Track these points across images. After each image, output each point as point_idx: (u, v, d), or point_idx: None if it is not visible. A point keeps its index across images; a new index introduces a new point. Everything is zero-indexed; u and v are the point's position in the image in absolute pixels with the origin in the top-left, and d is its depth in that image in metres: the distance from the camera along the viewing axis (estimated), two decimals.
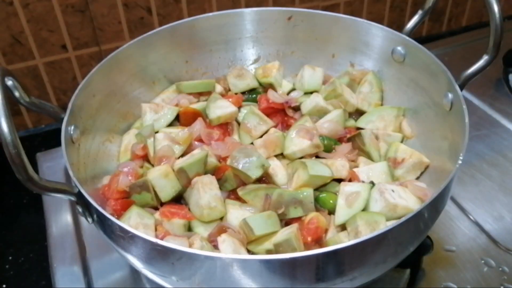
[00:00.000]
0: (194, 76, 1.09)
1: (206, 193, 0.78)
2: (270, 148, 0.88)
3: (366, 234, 0.71)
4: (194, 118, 0.93)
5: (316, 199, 0.80)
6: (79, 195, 0.68)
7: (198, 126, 0.91)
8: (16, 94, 0.68)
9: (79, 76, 1.25)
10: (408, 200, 0.77)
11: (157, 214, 0.79)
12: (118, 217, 0.77)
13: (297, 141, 0.87)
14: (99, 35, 1.21)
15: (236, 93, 1.04)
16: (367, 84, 1.01)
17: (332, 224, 0.78)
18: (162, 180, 0.80)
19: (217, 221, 0.79)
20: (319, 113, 0.96)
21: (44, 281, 0.92)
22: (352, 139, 0.91)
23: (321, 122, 0.94)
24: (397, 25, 1.59)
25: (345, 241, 0.72)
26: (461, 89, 0.80)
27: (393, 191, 0.77)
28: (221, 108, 0.94)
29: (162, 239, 0.74)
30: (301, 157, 0.87)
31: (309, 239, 0.73)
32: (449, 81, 0.82)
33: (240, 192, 0.81)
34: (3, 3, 1.08)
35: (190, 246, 0.73)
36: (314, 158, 0.88)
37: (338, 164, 0.85)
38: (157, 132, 0.92)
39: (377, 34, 1.00)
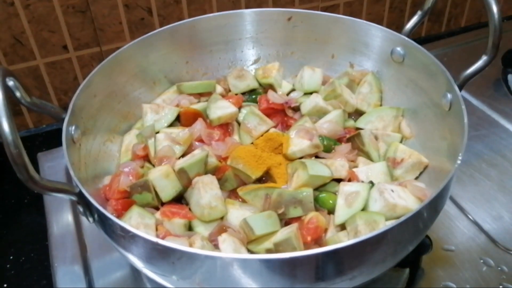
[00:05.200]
0: (194, 76, 1.09)
1: (206, 192, 0.78)
2: None
3: (365, 233, 0.71)
4: (194, 119, 0.94)
5: (316, 199, 0.80)
6: (80, 195, 0.68)
7: (199, 126, 0.91)
8: (17, 94, 0.68)
9: (80, 77, 1.25)
10: (407, 200, 0.77)
11: (157, 214, 0.79)
12: (119, 217, 0.77)
13: (296, 141, 0.88)
14: (100, 35, 1.21)
15: (236, 94, 1.05)
16: (366, 85, 1.02)
17: (331, 223, 0.78)
18: (163, 180, 0.80)
19: (218, 220, 0.80)
20: (319, 114, 0.96)
21: (45, 281, 0.92)
22: (351, 139, 0.92)
23: (320, 122, 0.94)
24: (396, 25, 1.59)
25: (344, 240, 0.72)
26: (460, 89, 0.81)
27: (392, 191, 0.78)
28: (221, 109, 0.94)
29: (163, 238, 0.74)
30: (301, 157, 0.87)
31: (309, 238, 0.74)
32: (448, 81, 0.82)
33: (240, 192, 0.81)
34: (4, 3, 1.08)
35: (191, 245, 0.73)
36: (313, 158, 0.88)
37: (337, 164, 0.85)
38: (157, 132, 0.92)
39: (377, 34, 1.00)
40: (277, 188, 0.80)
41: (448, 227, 0.98)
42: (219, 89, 1.06)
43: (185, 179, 0.81)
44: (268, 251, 0.72)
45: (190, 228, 0.79)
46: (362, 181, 0.84)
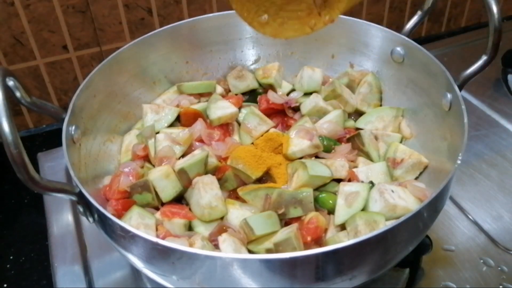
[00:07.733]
0: (194, 76, 1.09)
1: (207, 193, 0.78)
2: None
3: (365, 233, 0.71)
4: (194, 119, 0.94)
5: (316, 199, 0.80)
6: (80, 195, 0.68)
7: (199, 126, 0.92)
8: (17, 94, 0.68)
9: (80, 77, 1.25)
10: (407, 200, 0.77)
11: (158, 214, 0.79)
12: (119, 217, 0.77)
13: (296, 141, 0.88)
14: (100, 35, 1.21)
15: (236, 94, 1.05)
16: (366, 85, 1.02)
17: (331, 223, 0.78)
18: (163, 181, 0.80)
19: (218, 220, 0.80)
20: (319, 114, 0.96)
21: (45, 281, 0.92)
22: (351, 140, 0.92)
23: (320, 122, 0.94)
24: (397, 25, 1.59)
25: (344, 240, 0.72)
26: (460, 89, 0.81)
27: (392, 191, 0.78)
28: (221, 109, 0.94)
29: (163, 238, 0.74)
30: (301, 157, 0.87)
31: (309, 238, 0.74)
32: (448, 81, 0.82)
33: (240, 192, 0.81)
34: (4, 3, 1.08)
35: (191, 245, 0.73)
36: (313, 158, 0.88)
37: (337, 164, 0.85)
38: (158, 132, 0.92)
39: (377, 34, 1.00)
40: (277, 188, 0.80)
41: (448, 227, 0.98)
42: (219, 89, 1.06)
43: (185, 179, 0.81)
44: (268, 251, 0.72)
45: (190, 228, 0.79)
46: (362, 181, 0.84)
